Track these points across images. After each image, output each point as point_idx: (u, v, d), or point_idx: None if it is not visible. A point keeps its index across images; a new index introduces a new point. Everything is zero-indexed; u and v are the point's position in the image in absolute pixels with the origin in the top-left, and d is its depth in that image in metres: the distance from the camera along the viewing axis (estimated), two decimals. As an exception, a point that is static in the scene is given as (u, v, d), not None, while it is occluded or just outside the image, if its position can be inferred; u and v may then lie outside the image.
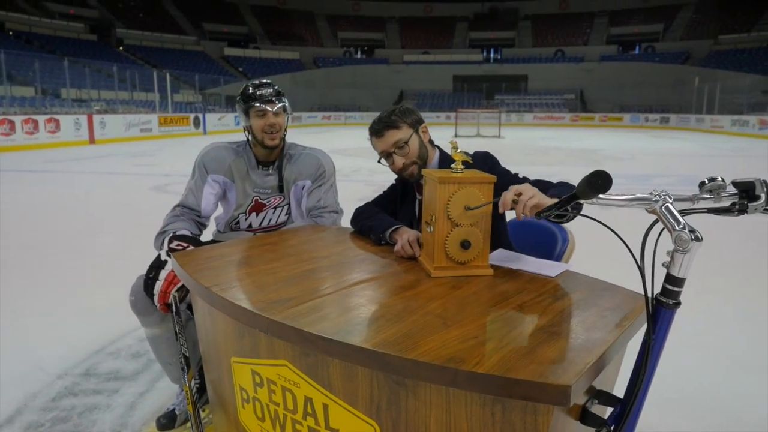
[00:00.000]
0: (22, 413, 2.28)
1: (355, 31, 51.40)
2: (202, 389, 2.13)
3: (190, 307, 2.02)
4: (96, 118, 18.33)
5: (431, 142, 1.99)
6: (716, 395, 2.47)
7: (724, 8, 43.69)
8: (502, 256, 1.66)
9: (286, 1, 51.77)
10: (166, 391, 2.46)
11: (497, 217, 1.81)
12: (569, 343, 1.07)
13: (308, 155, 2.37)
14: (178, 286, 1.89)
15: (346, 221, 2.43)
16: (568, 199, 1.14)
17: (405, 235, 1.68)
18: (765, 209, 1.08)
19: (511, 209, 1.41)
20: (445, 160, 1.93)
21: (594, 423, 1.11)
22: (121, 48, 39.60)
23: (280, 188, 2.33)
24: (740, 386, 2.55)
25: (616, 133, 27.58)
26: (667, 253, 1.06)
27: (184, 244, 2.00)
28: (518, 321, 1.18)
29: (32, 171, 10.79)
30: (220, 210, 2.44)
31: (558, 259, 2.06)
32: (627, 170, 11.19)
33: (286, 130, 2.29)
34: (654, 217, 1.11)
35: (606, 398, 1.17)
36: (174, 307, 1.90)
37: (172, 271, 1.87)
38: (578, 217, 1.39)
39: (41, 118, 16.23)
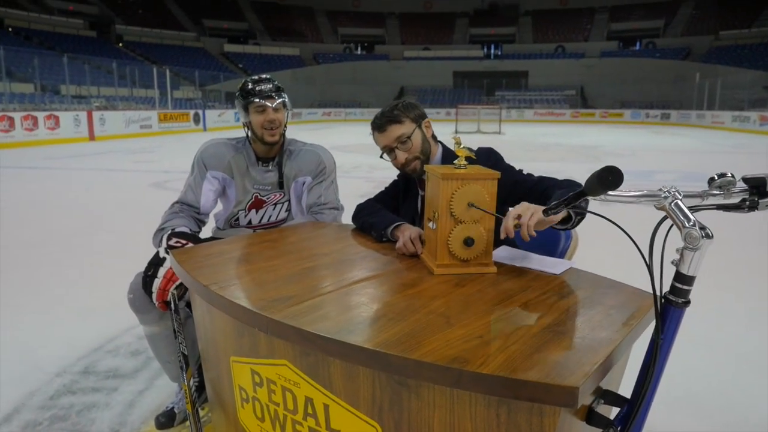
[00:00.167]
0: (20, 412, 2.26)
1: (355, 27, 51.27)
2: (201, 387, 2.11)
3: (189, 304, 2.00)
4: (96, 114, 18.29)
5: (434, 137, 1.96)
6: (724, 394, 2.45)
7: (725, 4, 43.54)
8: (505, 254, 1.64)
9: (286, -3, 51.68)
10: (165, 389, 2.44)
11: (502, 215, 1.78)
12: (576, 342, 1.05)
13: (308, 151, 2.35)
14: (177, 283, 1.87)
15: (346, 218, 2.40)
16: (576, 195, 1.11)
17: (407, 232, 1.65)
18: (776, 205, 1.06)
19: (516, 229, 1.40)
20: (448, 156, 1.90)
21: (600, 423, 1.08)
22: (120, 44, 39.51)
23: (280, 185, 2.30)
24: (749, 385, 2.53)
25: (616, 129, 27.53)
26: (677, 250, 1.04)
27: (183, 241, 1.97)
28: (523, 320, 1.15)
29: (31, 168, 10.76)
30: (219, 207, 2.41)
31: (561, 256, 2.03)
32: (628, 166, 11.14)
33: (286, 126, 2.26)
34: (662, 214, 1.08)
35: (612, 398, 1.15)
36: (173, 305, 1.88)
37: (171, 268, 1.85)
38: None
39: (41, 115, 16.19)
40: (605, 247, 4.26)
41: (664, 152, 15.06)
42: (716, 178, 1.12)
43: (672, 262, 1.04)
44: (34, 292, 3.71)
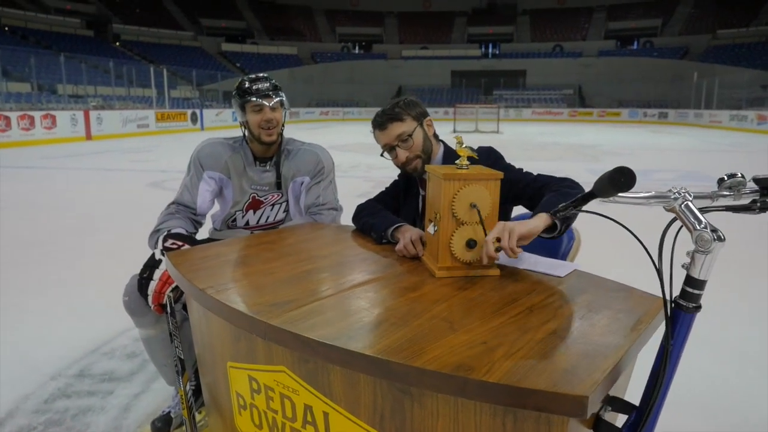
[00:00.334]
0: (13, 416, 2.23)
1: (353, 26, 51.22)
2: (198, 391, 2.07)
3: (185, 307, 1.96)
4: (92, 114, 18.22)
5: (436, 136, 1.93)
6: (727, 394, 2.42)
7: (723, 3, 43.59)
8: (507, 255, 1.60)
9: (284, -4, 51.59)
10: (161, 393, 2.41)
11: (503, 215, 1.75)
12: (583, 348, 1.02)
13: (307, 151, 2.31)
14: (173, 286, 1.83)
15: (345, 218, 2.37)
16: (585, 197, 1.08)
17: (407, 234, 1.62)
18: (788, 207, 1.02)
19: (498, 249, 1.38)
20: (450, 156, 1.87)
21: (608, 432, 1.05)
22: (117, 44, 39.41)
23: (278, 185, 2.27)
24: (752, 385, 2.50)
25: (614, 129, 27.53)
26: (687, 253, 1.00)
27: (179, 243, 1.94)
28: (528, 325, 1.12)
29: (28, 167, 10.70)
30: (216, 207, 2.38)
31: (564, 257, 2.01)
32: (628, 166, 11.11)
33: (283, 126, 2.23)
34: (671, 215, 1.05)
35: (620, 405, 1.12)
36: (169, 308, 1.84)
37: (167, 270, 1.82)
38: (580, 214, 1.34)
39: (37, 114, 16.12)
40: (607, 248, 4.24)
41: (662, 151, 15.06)
42: (726, 178, 1.09)
43: (682, 266, 1.01)
44: (30, 293, 3.67)
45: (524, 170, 1.83)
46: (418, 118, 1.84)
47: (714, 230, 0.97)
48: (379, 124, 1.84)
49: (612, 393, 1.10)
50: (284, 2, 51.46)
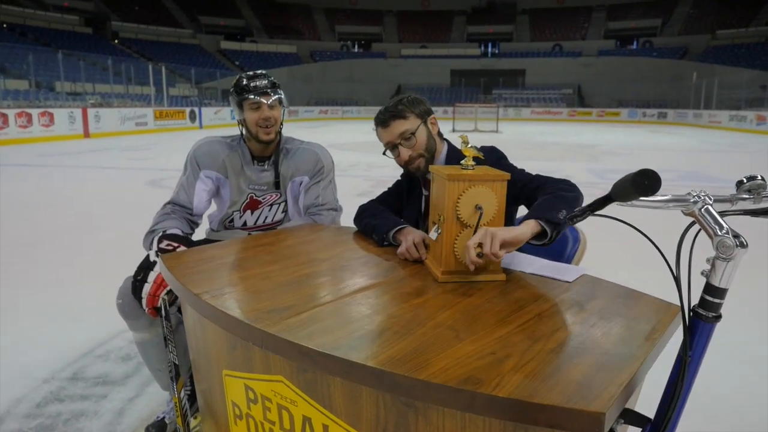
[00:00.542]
0: (4, 421, 2.17)
1: (352, 25, 51.11)
2: (193, 396, 2.02)
3: (180, 309, 1.91)
4: (91, 111, 18.13)
5: (440, 134, 1.87)
6: (728, 396, 2.38)
7: (722, 3, 43.56)
8: (513, 259, 1.55)
9: (283, -5, 51.46)
10: (156, 397, 2.36)
11: (508, 216, 1.70)
12: (597, 360, 0.97)
13: (306, 150, 2.26)
14: (168, 288, 1.78)
15: (345, 219, 2.32)
16: (602, 201, 1.02)
17: (410, 236, 1.57)
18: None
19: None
20: (454, 155, 1.82)
21: (622, 447, 1.00)
22: (116, 41, 39.28)
23: (277, 185, 2.22)
24: (753, 387, 2.46)
25: (613, 128, 27.49)
26: (707, 260, 0.95)
27: (175, 244, 1.89)
28: (538, 334, 1.07)
29: (26, 165, 10.63)
30: (213, 207, 2.32)
31: (569, 260, 1.96)
32: (627, 166, 11.08)
33: (282, 124, 2.17)
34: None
35: (633, 418, 1.06)
36: (163, 311, 1.79)
37: (161, 273, 1.76)
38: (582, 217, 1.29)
39: (35, 112, 16.04)
40: (612, 251, 4.19)
41: (662, 151, 15.02)
42: (745, 181, 1.04)
43: (702, 273, 0.96)
44: (24, 294, 3.62)
45: (525, 171, 1.78)
46: (422, 116, 1.79)
47: (736, 236, 0.92)
48: (382, 122, 1.78)
49: (626, 405, 1.05)
50: (283, 1, 51.34)
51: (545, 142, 17.74)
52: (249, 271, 1.44)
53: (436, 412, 0.94)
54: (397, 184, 1.99)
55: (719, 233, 0.93)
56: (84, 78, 24.19)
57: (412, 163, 1.78)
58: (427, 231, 1.63)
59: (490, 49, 49.27)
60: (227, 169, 2.19)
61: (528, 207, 1.69)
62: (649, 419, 1.05)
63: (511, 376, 0.90)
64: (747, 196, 1.04)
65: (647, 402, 1.17)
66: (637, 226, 1.02)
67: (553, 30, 49.20)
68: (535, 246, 1.43)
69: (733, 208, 1.03)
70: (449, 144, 1.89)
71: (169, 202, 2.16)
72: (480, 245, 1.29)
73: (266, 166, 2.20)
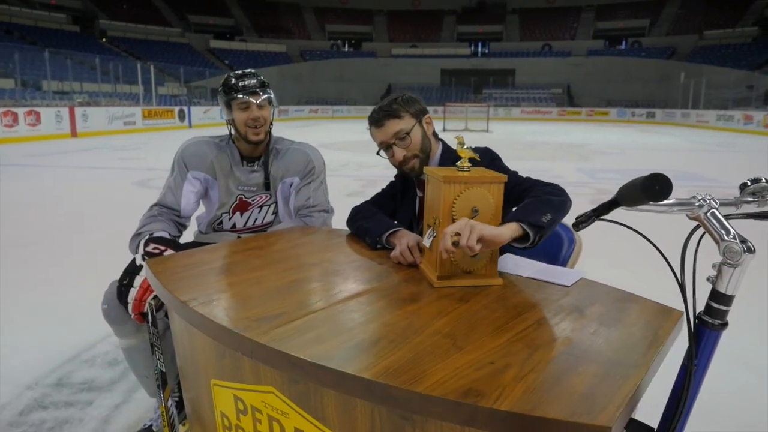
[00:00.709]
0: (-14, 429, 2.11)
1: (342, 24, 50.98)
2: (182, 403, 1.97)
3: (168, 314, 1.86)
4: (78, 110, 17.93)
5: (435, 134, 1.83)
6: (728, 399, 2.36)
7: (710, 3, 43.92)
8: (509, 262, 1.52)
9: (273, -7, 51.24)
10: (143, 403, 2.30)
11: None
12: (600, 369, 0.93)
13: (296, 150, 2.21)
14: (155, 293, 1.73)
15: (336, 220, 2.28)
16: (609, 205, 0.99)
17: (404, 240, 1.52)
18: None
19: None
20: (449, 155, 1.78)
21: (626, 458, 0.97)
22: (104, 39, 38.93)
23: (267, 186, 2.17)
24: (756, 388, 2.44)
25: (602, 128, 27.61)
26: (713, 266, 0.92)
27: (162, 247, 1.83)
28: (538, 342, 1.03)
29: (11, 165, 10.47)
30: (201, 209, 2.27)
31: (564, 262, 1.93)
32: (617, 165, 11.13)
33: (271, 124, 2.13)
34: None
35: (636, 427, 1.04)
36: (150, 317, 1.74)
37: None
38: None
39: (21, 111, 15.82)
40: (605, 252, 4.18)
41: (651, 151, 15.09)
42: (749, 183, 1.01)
43: (708, 279, 0.93)
44: (9, 295, 3.54)
45: (518, 173, 1.75)
46: (417, 116, 1.75)
47: (743, 241, 0.89)
48: (376, 121, 1.74)
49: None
50: (273, -1, 51.18)
51: (535, 142, 17.77)
52: (238, 277, 1.39)
53: (434, 426, 0.90)
54: (391, 185, 1.95)
55: (726, 238, 0.90)
56: (71, 77, 23.94)
57: (407, 164, 1.74)
58: (421, 233, 1.59)
59: (480, 49, 49.35)
60: (216, 170, 2.14)
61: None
62: (651, 429, 1.02)
63: (512, 388, 0.86)
64: (751, 199, 1.02)
65: (645, 408, 1.14)
66: (641, 231, 0.99)
67: (542, 30, 49.37)
68: (518, 249, 1.39)
69: (738, 211, 1.00)
70: (444, 144, 1.85)
71: (155, 204, 2.11)
72: (458, 234, 1.25)
73: (256, 167, 2.16)
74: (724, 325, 0.93)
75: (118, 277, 1.83)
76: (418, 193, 1.82)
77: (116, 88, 26.27)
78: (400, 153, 1.72)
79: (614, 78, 40.35)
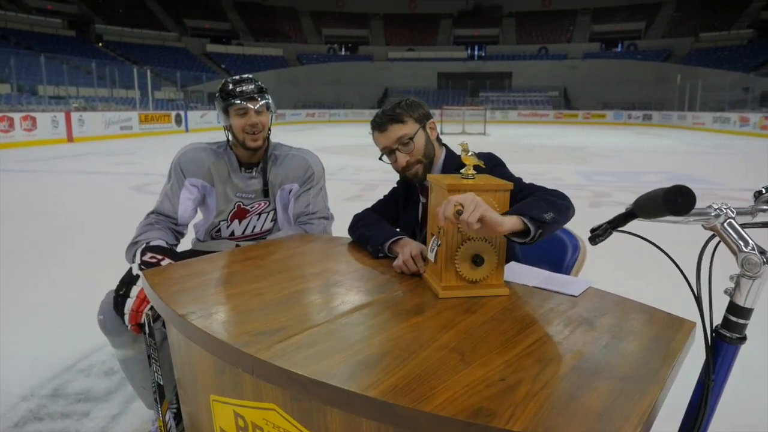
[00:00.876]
0: (-21, 443, 2.07)
1: (339, 28, 51.02)
2: (180, 414, 1.93)
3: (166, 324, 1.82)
4: (74, 115, 17.86)
5: (438, 139, 1.80)
6: (729, 402, 2.33)
7: (705, 6, 44.08)
8: (515, 271, 1.49)
9: (269, -3, 51.28)
10: (140, 414, 2.26)
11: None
12: (614, 385, 0.90)
13: (295, 156, 2.18)
14: (152, 304, 1.69)
15: (335, 227, 2.24)
16: (624, 217, 0.95)
17: (407, 248, 1.49)
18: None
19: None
20: (452, 161, 1.75)
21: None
22: (100, 44, 38.87)
23: (265, 192, 2.13)
24: (759, 393, 2.42)
25: (599, 130, 27.65)
26: (731, 278, 0.89)
27: (159, 256, 1.80)
28: (548, 356, 1.00)
29: (7, 171, 10.41)
30: (199, 216, 2.24)
31: (569, 269, 1.90)
32: (614, 167, 11.11)
33: (270, 130, 2.09)
34: (710, 233, 0.94)
35: (649, 444, 1.00)
36: (147, 328, 1.70)
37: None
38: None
39: (17, 116, 15.75)
40: (613, 258, 4.14)
41: (648, 153, 15.09)
42: (764, 191, 0.98)
43: (725, 292, 0.90)
44: (4, 303, 3.49)
45: (522, 179, 1.71)
46: (421, 120, 1.72)
47: (762, 252, 0.86)
48: (379, 126, 1.71)
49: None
50: (270, 3, 51.14)
51: (533, 144, 17.77)
52: (237, 288, 1.36)
53: (443, 446, 0.86)
54: (393, 191, 1.92)
55: (744, 249, 0.86)
56: (67, 81, 23.86)
57: (410, 169, 1.71)
58: (424, 239, 1.56)
59: (476, 52, 49.44)
60: (213, 177, 2.10)
61: None
62: (666, 446, 0.98)
63: (524, 406, 0.83)
64: (767, 207, 0.99)
65: (657, 421, 1.11)
66: (654, 241, 0.96)
67: (538, 33, 49.48)
68: (515, 242, 1.34)
69: (754, 220, 0.97)
70: (447, 149, 1.82)
71: (152, 212, 2.08)
72: (462, 206, 1.18)
73: (254, 174, 2.12)
74: (743, 339, 0.90)
75: (114, 286, 1.79)
76: (421, 199, 1.79)
77: (113, 92, 26.21)
78: (403, 158, 1.69)
79: (611, 80, 40.44)
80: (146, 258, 1.79)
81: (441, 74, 45.80)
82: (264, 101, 2.02)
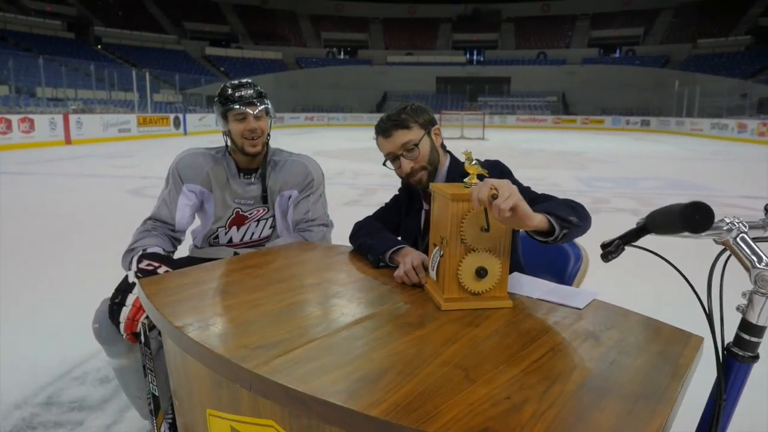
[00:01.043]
0: (-29, 452, 2.03)
1: (338, 32, 51.09)
2: (176, 425, 1.90)
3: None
4: (72, 117, 17.82)
5: (443, 146, 1.78)
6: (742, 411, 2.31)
7: (703, 12, 44.24)
8: (518, 282, 1.46)
9: (269, 1, 51.29)
10: (135, 423, 2.22)
11: (513, 235, 1.61)
12: (623, 405, 0.87)
13: (294, 162, 2.15)
14: (148, 314, 1.66)
15: (335, 233, 2.21)
16: (636, 233, 0.93)
17: (408, 258, 1.46)
18: None
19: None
20: (456, 168, 1.72)
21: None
22: (99, 46, 38.86)
23: (264, 199, 2.11)
24: (759, 393, 2.39)
25: (598, 136, 27.68)
26: (743, 294, 0.87)
27: (156, 264, 1.77)
28: (554, 372, 0.97)
29: (4, 173, 10.37)
30: (197, 222, 2.21)
31: (571, 278, 1.87)
32: (613, 173, 11.10)
33: (269, 135, 2.07)
34: (721, 247, 0.91)
35: (658, 463, 0.98)
36: (143, 337, 1.67)
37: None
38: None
39: (15, 118, 15.71)
40: (616, 268, 4.11)
41: (646, 159, 15.10)
42: (775, 204, 0.96)
43: (737, 309, 0.87)
44: (-4, 310, 3.45)
45: (531, 188, 1.69)
46: (426, 126, 1.69)
47: (776, 268, 0.83)
48: (384, 131, 1.68)
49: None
50: (269, 7, 51.19)
51: (531, 150, 17.77)
52: (235, 299, 1.33)
53: (447, 468, 0.83)
54: (395, 198, 1.89)
55: (758, 265, 0.84)
56: (66, 83, 23.84)
57: (414, 176, 1.68)
58: (426, 248, 1.53)
59: (475, 57, 49.52)
60: (212, 183, 2.07)
61: None
62: (675, 465, 0.96)
63: (532, 427, 0.80)
64: (778, 221, 0.96)
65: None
66: (669, 260, 0.93)
67: (537, 38, 49.60)
68: (536, 240, 1.32)
69: (766, 234, 0.95)
70: (452, 156, 1.79)
71: (149, 218, 2.05)
72: (497, 191, 1.16)
73: (253, 179, 2.10)
74: (755, 357, 0.88)
75: (109, 293, 1.76)
76: (425, 206, 1.76)
77: (111, 95, 26.19)
78: (407, 165, 1.66)
79: (609, 86, 40.54)
80: (143, 265, 1.76)
81: (440, 79, 45.87)
82: (263, 106, 2.00)
